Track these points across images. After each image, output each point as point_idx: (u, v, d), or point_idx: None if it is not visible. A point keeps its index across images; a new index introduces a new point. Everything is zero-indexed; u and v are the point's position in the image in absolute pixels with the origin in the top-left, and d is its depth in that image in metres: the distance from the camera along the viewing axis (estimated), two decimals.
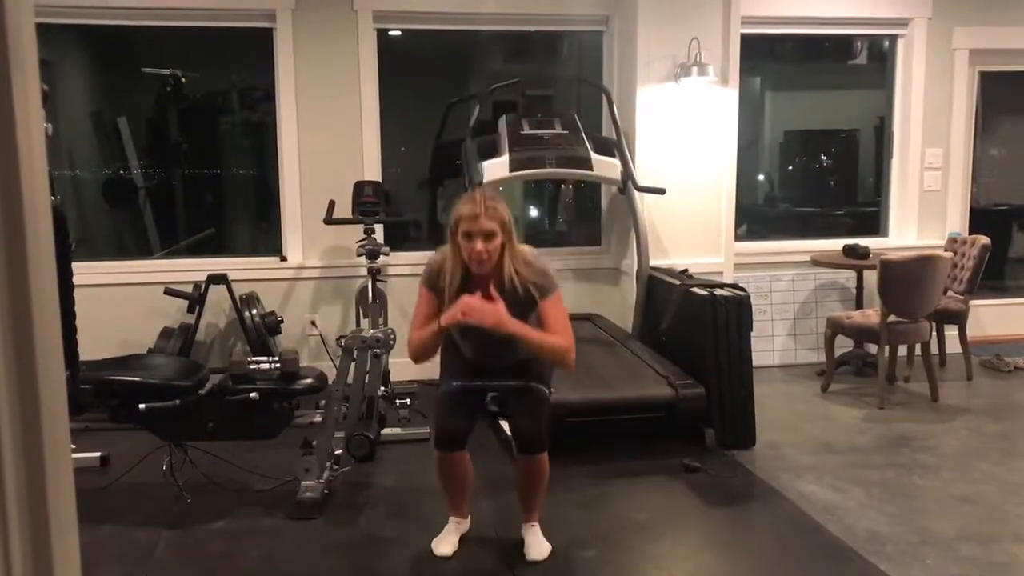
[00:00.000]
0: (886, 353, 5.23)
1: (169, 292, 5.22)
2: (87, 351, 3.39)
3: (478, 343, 3.13)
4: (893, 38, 6.32)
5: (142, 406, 3.52)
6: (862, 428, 4.77)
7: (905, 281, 5.00)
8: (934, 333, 5.46)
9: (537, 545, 3.27)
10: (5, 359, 0.76)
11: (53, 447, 0.81)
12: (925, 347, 5.26)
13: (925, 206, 6.34)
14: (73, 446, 0.96)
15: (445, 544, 3.29)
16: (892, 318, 5.08)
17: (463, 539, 3.35)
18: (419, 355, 3.13)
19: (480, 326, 2.94)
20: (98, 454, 4.17)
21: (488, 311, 2.91)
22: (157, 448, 3.81)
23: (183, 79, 6.12)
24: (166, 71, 6.05)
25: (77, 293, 3.19)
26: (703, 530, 3.60)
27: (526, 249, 3.12)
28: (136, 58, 6.02)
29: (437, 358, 3.26)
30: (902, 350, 5.61)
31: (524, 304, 3.04)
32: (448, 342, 3.24)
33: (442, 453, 3.20)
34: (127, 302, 5.35)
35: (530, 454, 3.18)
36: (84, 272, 3.84)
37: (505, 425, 4.45)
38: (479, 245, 2.95)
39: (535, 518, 3.33)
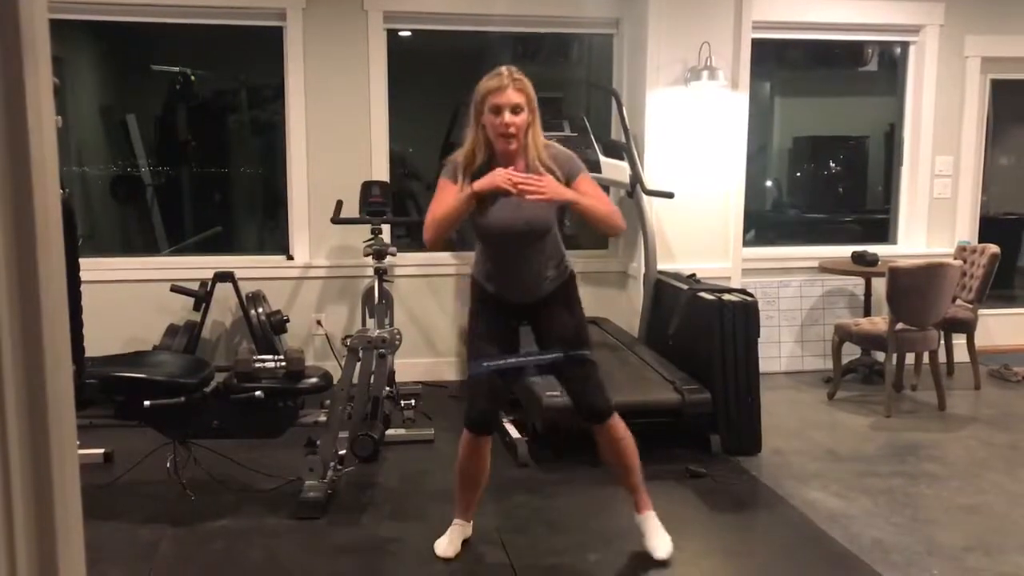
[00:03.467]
0: (894, 361, 5.21)
1: (175, 289, 5.22)
2: (93, 347, 3.40)
3: (506, 255, 3.04)
4: (905, 45, 6.30)
5: (147, 403, 3.52)
6: (869, 436, 4.74)
7: (914, 289, 4.97)
8: (942, 342, 5.44)
9: (659, 538, 3.20)
10: (13, 352, 0.75)
11: (59, 442, 0.80)
12: (933, 356, 5.23)
13: (935, 214, 6.31)
14: (77, 442, 0.95)
15: (448, 546, 3.27)
16: (900, 326, 5.05)
17: (465, 542, 3.34)
18: (439, 232, 3.00)
19: (511, 219, 2.89)
20: (102, 450, 4.17)
21: (544, 184, 2.83)
22: (161, 445, 3.81)
23: (192, 77, 6.13)
24: (176, 69, 6.07)
25: (83, 289, 3.19)
26: (707, 536, 3.58)
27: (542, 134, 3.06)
28: (146, 55, 6.03)
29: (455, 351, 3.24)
30: (910, 358, 5.58)
31: None
32: (475, 304, 3.19)
33: (472, 435, 3.17)
34: (133, 299, 5.35)
35: (601, 423, 3.14)
36: (91, 268, 3.84)
37: (511, 428, 4.43)
38: (507, 117, 2.89)
39: (646, 504, 3.25)
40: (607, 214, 3.01)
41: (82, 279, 3.17)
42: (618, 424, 3.17)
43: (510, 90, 2.89)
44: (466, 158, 3.00)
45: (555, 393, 3.89)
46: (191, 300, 5.28)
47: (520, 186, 2.81)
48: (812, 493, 3.90)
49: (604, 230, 3.12)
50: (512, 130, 2.90)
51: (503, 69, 2.96)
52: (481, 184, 2.89)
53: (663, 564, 3.22)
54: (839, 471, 4.19)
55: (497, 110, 2.90)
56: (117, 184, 6.08)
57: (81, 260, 3.23)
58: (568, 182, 2.97)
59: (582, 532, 3.49)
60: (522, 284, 3.11)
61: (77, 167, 5.89)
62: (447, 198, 2.98)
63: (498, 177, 2.84)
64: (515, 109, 2.90)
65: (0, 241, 0.74)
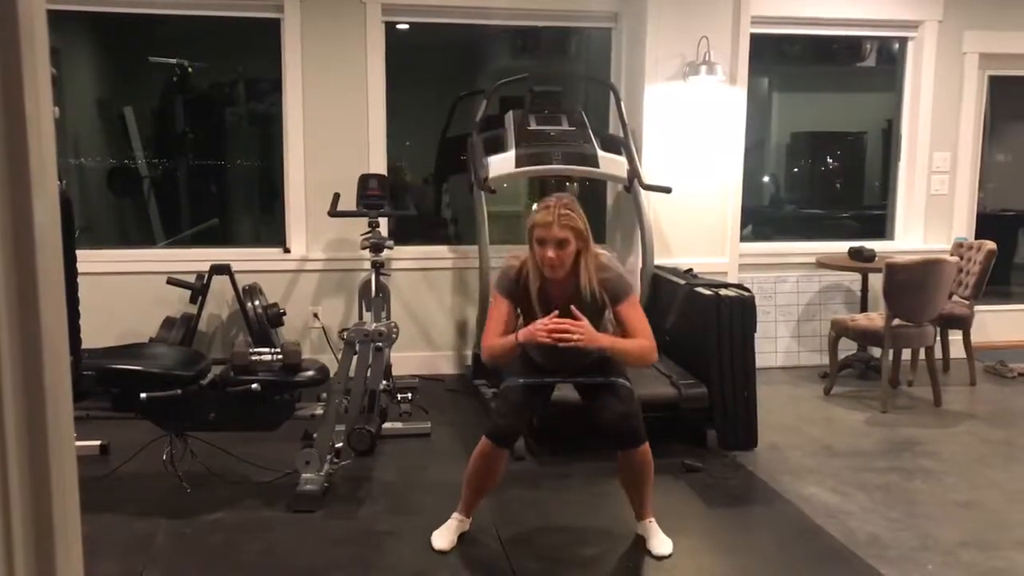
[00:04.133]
0: (890, 357, 5.22)
1: (172, 282, 5.21)
2: (89, 339, 3.39)
3: (550, 351, 3.12)
4: (903, 40, 6.30)
5: (143, 395, 3.51)
6: (865, 431, 4.75)
7: (910, 285, 4.98)
8: (938, 338, 5.44)
9: (660, 540, 3.28)
10: (11, 343, 0.75)
11: (57, 434, 0.79)
12: (929, 351, 5.24)
13: (932, 210, 6.32)
14: (74, 434, 0.94)
15: (444, 539, 3.27)
16: (896, 322, 5.06)
17: (462, 536, 3.34)
18: (495, 362, 3.21)
19: (553, 356, 3.05)
20: (98, 442, 4.17)
21: (577, 332, 2.96)
22: (157, 438, 3.80)
23: (190, 69, 6.11)
24: (173, 61, 6.04)
25: (80, 281, 3.18)
26: (703, 531, 3.59)
27: (602, 253, 3.18)
28: (143, 47, 6.01)
29: None
30: (906, 354, 5.60)
31: (599, 308, 3.13)
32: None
33: (491, 447, 3.19)
34: (130, 291, 5.34)
35: (633, 448, 3.18)
36: (87, 260, 3.83)
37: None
38: (551, 252, 3.01)
39: (650, 513, 3.34)
40: (640, 353, 3.11)
41: (79, 271, 3.16)
42: (647, 451, 3.22)
43: (555, 227, 3.00)
44: (522, 279, 3.14)
45: None
46: (187, 292, 5.27)
47: (553, 336, 2.95)
48: (808, 488, 3.91)
49: (635, 365, 3.25)
50: (556, 263, 3.03)
51: (552, 202, 3.06)
52: (524, 336, 3.04)
53: (659, 559, 3.22)
54: (835, 466, 4.20)
55: (542, 243, 3.03)
56: (114, 176, 6.06)
57: (78, 252, 3.22)
58: (613, 305, 3.12)
59: (579, 526, 3.50)
60: (567, 360, 3.20)
61: (74, 159, 5.87)
62: (501, 319, 3.14)
63: (538, 333, 2.99)
64: (560, 244, 3.01)
65: None
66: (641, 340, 3.10)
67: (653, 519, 3.34)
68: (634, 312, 3.14)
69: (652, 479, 3.30)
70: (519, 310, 3.22)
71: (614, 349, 3.10)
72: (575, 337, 2.95)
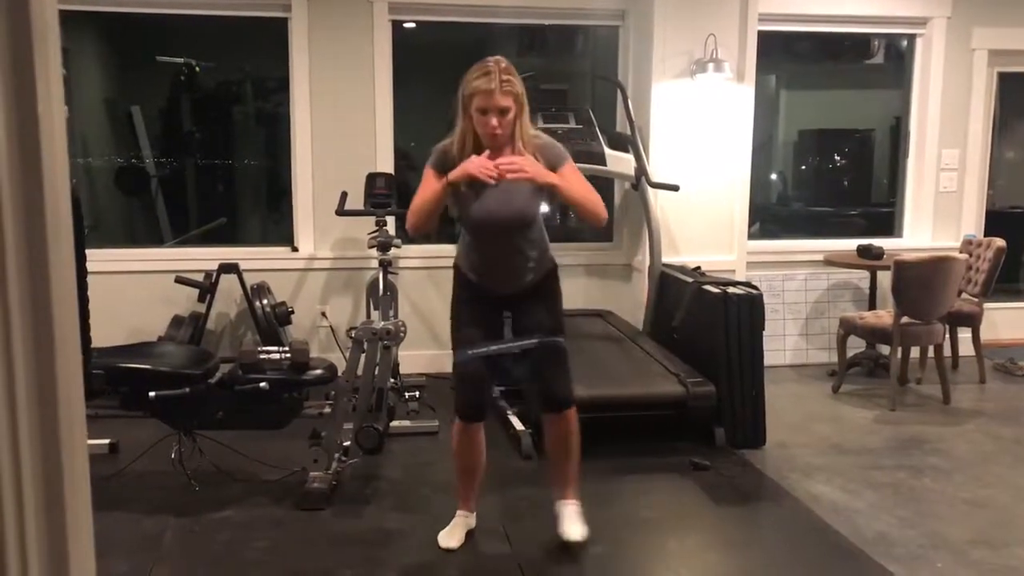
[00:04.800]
0: (898, 355, 5.21)
1: (180, 280, 5.23)
2: (98, 338, 3.40)
3: (490, 245, 3.06)
4: (911, 37, 6.27)
5: (152, 394, 3.53)
6: (873, 429, 4.74)
7: (919, 282, 4.96)
8: (947, 335, 5.42)
9: (574, 524, 3.23)
10: (24, 342, 0.75)
11: (69, 432, 0.80)
12: (938, 349, 5.23)
13: (940, 207, 6.30)
14: (85, 432, 0.95)
15: (451, 537, 3.28)
16: (905, 319, 5.05)
17: (469, 534, 3.34)
18: (419, 221, 3.01)
19: (495, 208, 2.91)
20: (107, 441, 4.18)
21: (525, 163, 2.84)
22: (166, 436, 3.82)
23: (197, 68, 6.12)
24: (180, 60, 6.06)
25: (89, 280, 3.19)
26: (711, 529, 3.58)
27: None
28: (151, 47, 6.02)
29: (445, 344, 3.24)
30: (915, 352, 5.58)
31: None
32: (457, 290, 3.20)
33: (464, 424, 3.19)
34: (138, 290, 5.36)
35: (558, 411, 3.16)
36: (96, 259, 3.84)
37: (515, 421, 4.44)
38: (494, 120, 2.90)
39: (572, 494, 3.29)
40: (589, 201, 3.00)
41: (88, 270, 3.17)
42: (575, 417, 3.20)
43: (497, 94, 2.88)
44: (457, 148, 2.99)
45: None
46: (196, 291, 5.28)
47: (500, 168, 2.81)
48: (816, 486, 3.90)
49: (585, 217, 3.06)
50: (498, 131, 2.92)
51: (491, 66, 2.92)
52: (455, 174, 2.90)
53: (657, 556, 3.22)
54: (843, 464, 4.19)
55: (484, 111, 2.90)
56: (122, 175, 6.08)
57: (87, 251, 3.23)
58: (551, 170, 2.98)
59: (586, 524, 3.49)
60: (506, 274, 3.13)
61: (82, 158, 5.89)
62: (429, 188, 2.99)
63: (471, 166, 2.85)
64: (503, 112, 2.90)
65: (11, 230, 0.74)
66: (588, 192, 3.01)
67: (575, 503, 3.28)
68: (576, 174, 3.03)
69: (577, 452, 3.24)
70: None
71: (561, 187, 2.93)
72: (524, 169, 2.81)
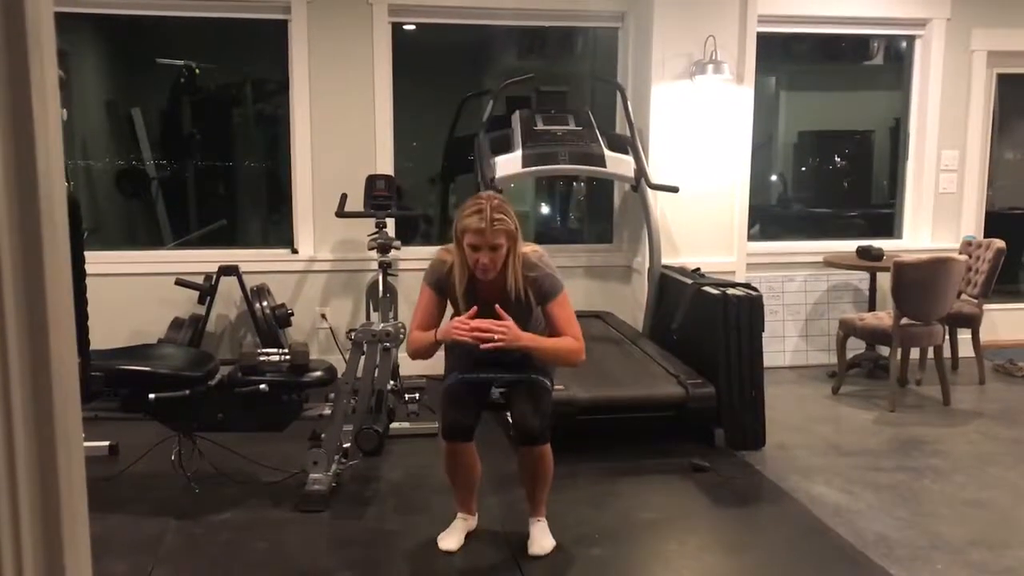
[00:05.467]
0: (898, 356, 5.21)
1: (180, 283, 5.23)
2: (98, 340, 3.40)
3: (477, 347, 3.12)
4: (911, 39, 6.28)
5: (152, 396, 3.52)
6: (873, 431, 4.74)
7: (919, 284, 4.96)
8: (947, 336, 5.42)
9: (540, 540, 3.26)
10: (19, 345, 0.75)
11: (65, 434, 0.80)
12: (938, 350, 5.23)
13: (940, 208, 6.30)
14: (83, 434, 0.95)
15: (451, 539, 3.28)
16: (905, 321, 5.05)
17: (469, 536, 3.34)
18: (416, 356, 3.20)
19: (481, 354, 3.00)
20: (107, 443, 4.18)
21: (499, 333, 2.94)
22: (166, 438, 3.82)
23: (197, 70, 6.12)
24: (180, 62, 6.06)
25: (88, 282, 3.19)
26: (711, 530, 3.58)
27: (530, 250, 3.13)
28: (151, 49, 6.03)
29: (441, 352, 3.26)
30: (914, 353, 5.58)
31: (528, 306, 3.10)
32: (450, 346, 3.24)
33: (450, 445, 3.20)
34: (138, 292, 5.36)
35: (531, 446, 3.18)
36: (96, 261, 3.84)
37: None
38: (485, 258, 2.99)
39: (541, 512, 3.32)
40: (566, 352, 3.09)
41: (87, 272, 3.17)
42: (547, 453, 3.23)
43: (488, 233, 2.95)
44: (457, 277, 3.09)
45: (559, 387, 3.89)
46: (196, 293, 5.28)
47: (474, 336, 2.94)
48: (816, 488, 3.90)
49: (562, 365, 3.26)
50: (489, 266, 3.01)
51: (483, 203, 3.00)
52: (442, 334, 3.05)
53: (656, 557, 3.22)
54: (843, 466, 4.19)
55: (475, 248, 2.98)
56: (122, 177, 6.08)
57: (86, 253, 3.23)
58: (541, 303, 3.10)
59: (584, 526, 3.49)
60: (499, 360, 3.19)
61: (82, 160, 5.89)
62: (428, 315, 3.14)
63: (456, 331, 2.98)
64: (493, 248, 2.98)
65: (6, 235, 0.74)
66: (567, 340, 3.07)
67: (543, 519, 3.32)
68: (562, 311, 3.09)
69: (550, 481, 3.28)
70: (449, 303, 3.20)
71: (537, 349, 3.07)
72: (497, 338, 2.94)
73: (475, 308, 3.00)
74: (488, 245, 2.97)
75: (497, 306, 3.00)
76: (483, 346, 2.95)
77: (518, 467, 3.33)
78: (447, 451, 3.23)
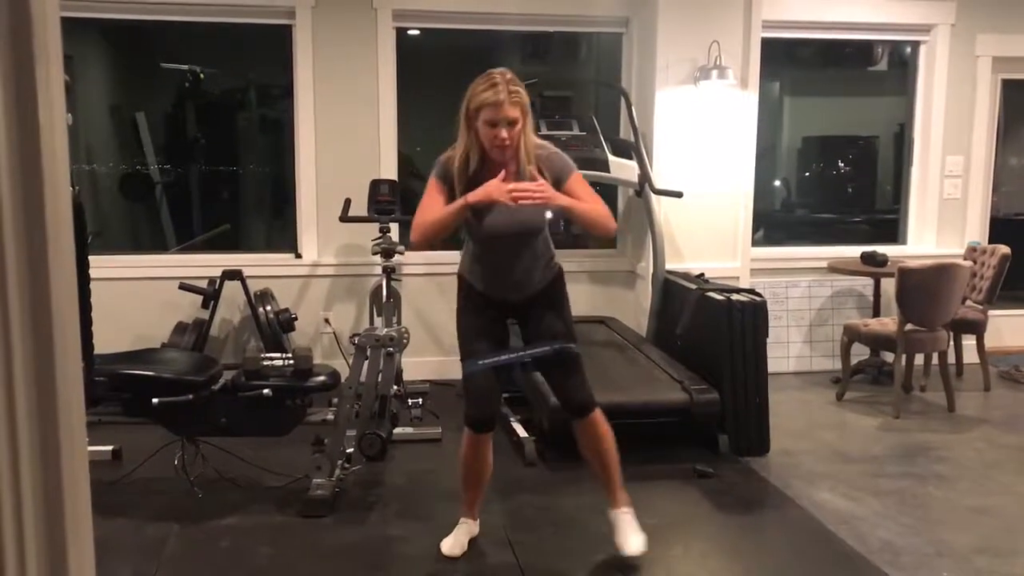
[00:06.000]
0: (903, 362, 5.19)
1: (184, 287, 5.23)
2: (101, 344, 3.40)
3: (497, 256, 3.05)
4: (915, 44, 6.28)
5: (155, 400, 3.52)
6: (877, 437, 4.73)
7: (923, 289, 4.95)
8: (952, 342, 5.41)
9: (632, 536, 3.17)
10: (24, 349, 0.75)
11: (69, 439, 0.79)
12: (942, 356, 5.21)
13: (945, 214, 6.29)
14: (86, 439, 0.95)
15: (454, 545, 3.27)
16: (909, 327, 5.04)
17: (472, 541, 3.34)
18: (427, 237, 2.97)
19: (505, 222, 2.89)
20: (110, 447, 4.18)
21: (538, 192, 2.81)
22: (169, 443, 3.82)
23: (201, 75, 6.14)
24: (185, 67, 6.08)
25: (93, 286, 3.20)
26: (715, 536, 3.57)
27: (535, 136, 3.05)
28: (155, 53, 6.05)
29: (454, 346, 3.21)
30: (919, 359, 5.56)
31: None
32: (462, 300, 3.19)
33: (473, 434, 3.18)
34: (142, 296, 5.36)
35: (583, 416, 3.14)
36: (100, 265, 3.84)
37: (519, 428, 4.43)
38: (504, 132, 2.87)
39: (622, 500, 3.23)
40: (600, 217, 2.99)
41: (91, 276, 3.18)
42: (601, 419, 3.18)
43: (506, 105, 2.86)
44: (460, 163, 2.99)
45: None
46: (200, 298, 5.29)
47: (516, 196, 2.80)
48: (820, 494, 3.89)
49: (595, 232, 3.08)
50: (508, 143, 2.90)
51: (497, 78, 2.91)
52: (476, 196, 2.86)
53: (660, 564, 3.21)
54: (848, 472, 4.17)
55: (493, 124, 2.88)
56: (126, 182, 6.10)
57: (90, 258, 3.24)
58: (558, 183, 2.97)
59: (589, 532, 3.48)
60: (512, 283, 3.12)
61: (87, 164, 5.90)
62: (436, 203, 2.97)
63: (494, 190, 2.82)
64: (511, 123, 2.89)
65: (11, 238, 0.74)
66: (599, 205, 2.99)
67: (627, 510, 3.23)
68: (581, 186, 3.00)
69: (614, 454, 3.20)
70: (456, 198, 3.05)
71: (574, 209, 2.93)
72: (536, 196, 2.80)
73: (504, 172, 2.88)
74: (506, 119, 2.86)
75: (533, 171, 2.90)
76: (523, 203, 2.79)
77: (580, 448, 3.24)
78: (469, 439, 3.19)
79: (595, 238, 6.37)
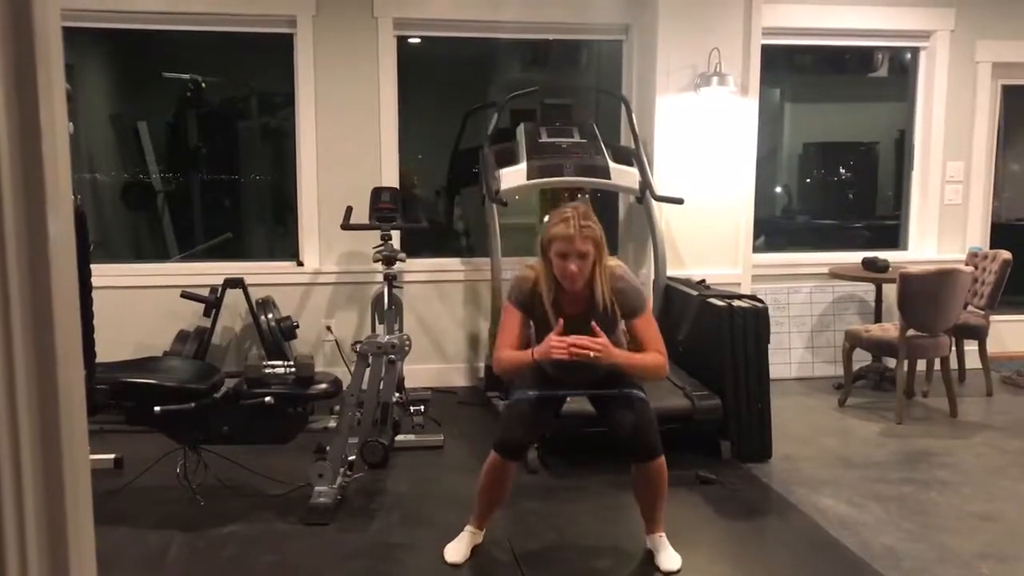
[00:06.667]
0: (905, 367, 5.19)
1: (186, 295, 5.24)
2: (103, 353, 3.41)
3: (564, 364, 3.09)
4: (915, 50, 6.28)
5: (157, 408, 3.52)
6: (880, 443, 4.72)
7: (925, 295, 4.95)
8: (954, 348, 5.41)
9: (669, 555, 3.25)
10: (26, 358, 0.75)
11: (71, 447, 0.80)
12: (944, 362, 5.21)
13: (946, 220, 6.29)
14: (88, 447, 0.95)
15: (457, 552, 3.27)
16: (911, 332, 5.03)
17: (475, 549, 3.33)
18: (507, 376, 3.24)
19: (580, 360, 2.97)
20: (112, 456, 4.18)
21: (595, 349, 2.93)
22: (171, 451, 3.82)
23: (203, 84, 6.15)
24: (186, 76, 6.09)
25: (94, 295, 3.20)
26: (717, 543, 3.57)
27: (614, 264, 3.15)
28: (156, 62, 6.06)
29: None
30: (921, 365, 5.56)
31: (613, 320, 3.10)
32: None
33: (500, 459, 3.18)
34: (144, 305, 5.37)
35: (649, 461, 3.17)
36: (101, 274, 3.84)
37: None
38: (573, 266, 2.99)
39: (661, 528, 3.31)
40: (653, 367, 3.09)
41: (93, 285, 3.18)
42: (663, 465, 3.20)
43: (577, 240, 2.97)
44: (544, 290, 3.09)
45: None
46: (201, 306, 5.29)
47: (574, 352, 2.92)
48: (823, 500, 3.89)
49: (646, 379, 3.23)
50: (577, 275, 3.01)
51: (569, 212, 3.04)
52: (539, 354, 3.01)
53: (667, 574, 3.20)
54: (850, 478, 4.17)
55: (564, 256, 3.00)
56: (128, 190, 6.11)
57: (92, 266, 3.24)
58: (628, 318, 3.11)
59: (593, 539, 3.48)
60: (580, 372, 3.17)
61: (88, 173, 5.92)
62: (514, 331, 3.11)
63: (554, 349, 2.94)
64: (581, 256, 2.99)
65: (14, 247, 0.74)
66: (655, 355, 3.08)
67: (663, 534, 3.30)
68: (648, 326, 3.13)
69: (666, 493, 3.27)
70: (532, 321, 3.20)
71: (628, 365, 3.08)
72: (592, 353, 2.92)
73: (561, 322, 2.99)
74: (576, 252, 2.97)
75: (594, 324, 2.99)
76: (577, 359, 2.93)
77: (635, 484, 3.27)
78: (492, 464, 3.20)
79: None
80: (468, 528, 3.33)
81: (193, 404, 3.57)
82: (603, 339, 2.96)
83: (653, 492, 3.24)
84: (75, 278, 0.82)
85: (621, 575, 3.23)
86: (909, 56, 6.40)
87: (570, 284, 3.04)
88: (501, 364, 3.12)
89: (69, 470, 0.80)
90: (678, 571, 3.20)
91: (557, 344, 2.94)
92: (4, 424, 0.73)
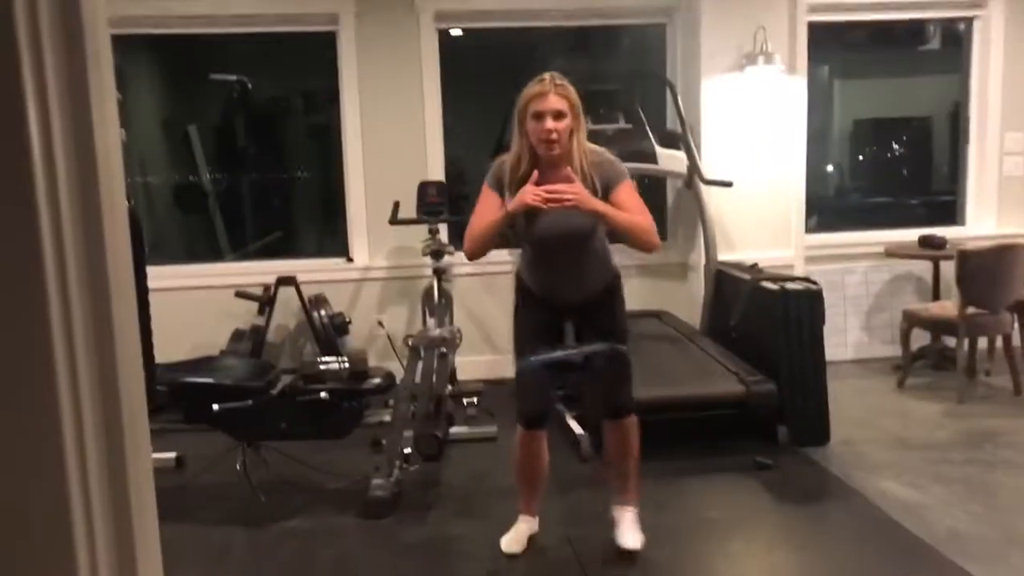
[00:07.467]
0: (965, 346, 5.07)
1: (240, 295, 5.32)
2: (161, 354, 3.47)
3: (551, 260, 3.05)
4: (969, 20, 6.11)
5: (215, 407, 3.59)
6: (941, 423, 4.62)
7: (984, 271, 4.83)
8: (1016, 325, 5.27)
9: (628, 531, 3.21)
10: (88, 361, 0.77)
11: (134, 446, 0.81)
12: (1007, 339, 5.08)
13: (1005, 193, 6.12)
14: (151, 446, 0.97)
15: (514, 543, 3.28)
16: (971, 310, 4.92)
17: (532, 538, 3.34)
18: (476, 248, 3.01)
19: (554, 226, 2.90)
20: (174, 454, 4.26)
21: (569, 190, 2.81)
22: (231, 448, 3.88)
23: (249, 85, 6.23)
24: (233, 77, 6.17)
25: (151, 297, 3.26)
26: (776, 528, 3.53)
27: (594, 146, 3.05)
28: (203, 66, 6.14)
29: (508, 340, 3.22)
30: (982, 343, 5.43)
31: (593, 193, 2.93)
32: (519, 299, 3.21)
33: (527, 432, 3.20)
34: (199, 305, 5.45)
35: (617, 418, 3.17)
36: (157, 276, 3.91)
37: (574, 424, 4.43)
38: (549, 123, 2.88)
39: (631, 500, 3.28)
40: (638, 229, 2.92)
41: (150, 288, 3.24)
42: (635, 425, 3.21)
43: (552, 96, 2.89)
44: (511, 166, 3.00)
45: None
46: (255, 305, 5.37)
47: (548, 200, 2.81)
48: (883, 483, 3.82)
49: (634, 245, 2.99)
50: (554, 136, 2.89)
51: (545, 75, 2.96)
52: (513, 206, 2.91)
53: (722, 557, 3.18)
54: (911, 460, 4.09)
55: (539, 116, 2.89)
56: (180, 193, 6.21)
57: (148, 269, 3.30)
58: (606, 190, 2.95)
59: (648, 527, 3.46)
60: (566, 286, 3.14)
61: (141, 177, 6.03)
62: (488, 212, 3.00)
63: (526, 196, 2.85)
64: (557, 115, 2.89)
65: (71, 253, 0.75)
66: (642, 217, 2.94)
67: (632, 508, 3.26)
68: (631, 196, 2.95)
69: (637, 456, 3.24)
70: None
71: (609, 214, 2.88)
72: (568, 198, 2.79)
73: (536, 173, 2.88)
74: (552, 111, 2.87)
75: (568, 170, 2.87)
76: (552, 205, 2.80)
77: (605, 448, 3.30)
78: (521, 439, 3.22)
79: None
80: (521, 518, 3.34)
81: (250, 402, 3.63)
82: (578, 185, 2.84)
83: (623, 453, 3.23)
84: (132, 282, 0.84)
85: (679, 562, 3.21)
86: (963, 26, 6.23)
87: (547, 149, 2.90)
88: (472, 234, 2.98)
89: (133, 470, 0.82)
90: (634, 549, 3.16)
91: (532, 191, 2.83)
92: (70, 428, 0.75)
